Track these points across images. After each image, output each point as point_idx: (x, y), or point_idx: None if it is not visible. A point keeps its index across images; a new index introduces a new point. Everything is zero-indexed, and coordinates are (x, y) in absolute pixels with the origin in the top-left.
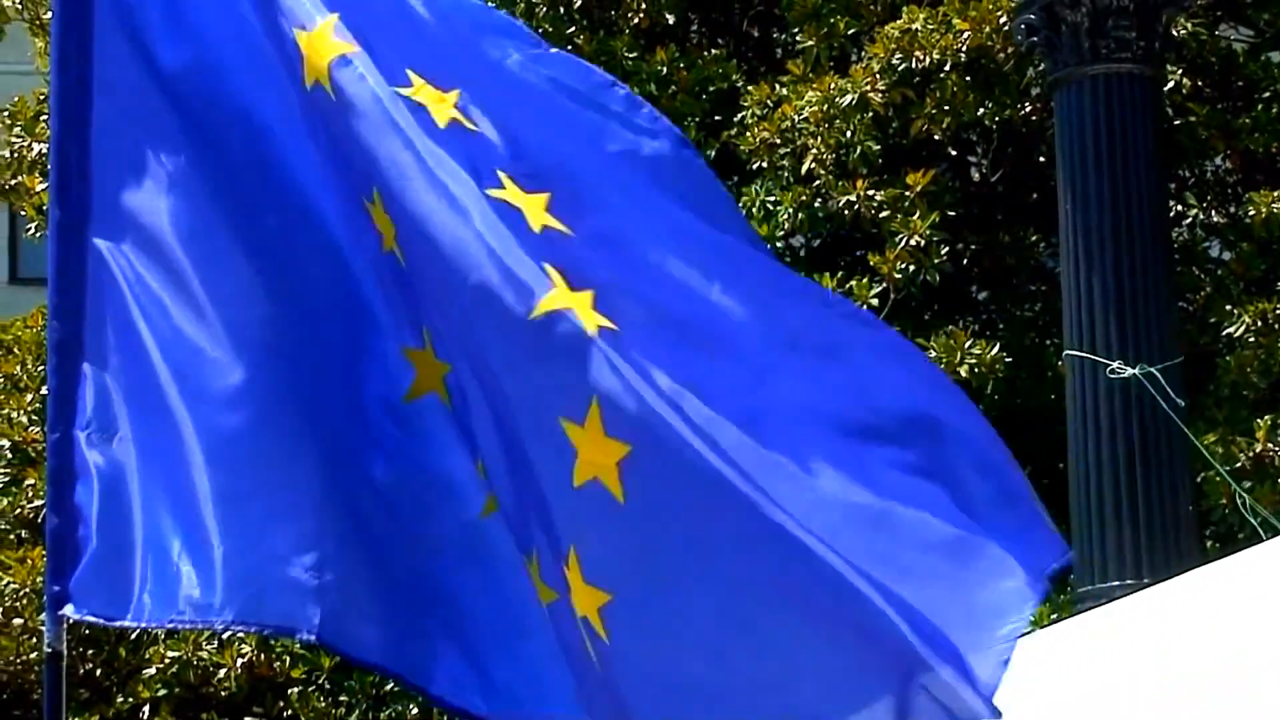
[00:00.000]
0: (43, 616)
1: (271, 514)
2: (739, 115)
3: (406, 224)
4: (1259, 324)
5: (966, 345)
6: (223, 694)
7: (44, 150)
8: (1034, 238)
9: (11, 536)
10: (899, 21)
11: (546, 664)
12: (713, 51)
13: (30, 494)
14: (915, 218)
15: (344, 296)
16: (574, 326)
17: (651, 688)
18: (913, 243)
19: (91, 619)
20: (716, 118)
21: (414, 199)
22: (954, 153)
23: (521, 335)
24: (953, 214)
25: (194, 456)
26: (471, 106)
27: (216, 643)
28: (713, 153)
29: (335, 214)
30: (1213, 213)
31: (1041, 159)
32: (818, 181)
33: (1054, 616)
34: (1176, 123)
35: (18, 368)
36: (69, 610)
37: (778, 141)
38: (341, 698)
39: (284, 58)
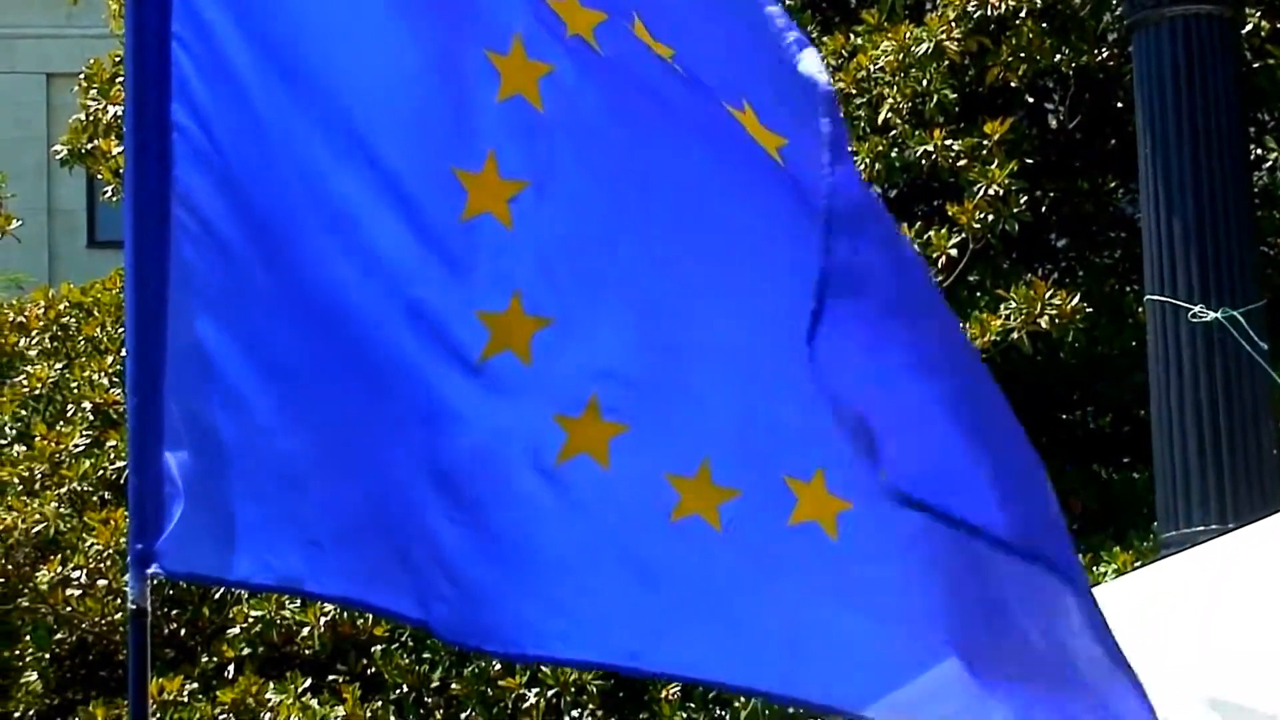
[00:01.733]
0: (127, 577)
1: (366, 488)
2: None
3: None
4: None
5: (1047, 295)
6: (306, 652)
7: (119, 113)
8: (1113, 184)
9: (95, 498)
10: None
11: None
12: (786, 3)
13: (112, 455)
14: (993, 166)
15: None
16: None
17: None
18: (991, 192)
19: (178, 578)
20: None
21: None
22: (1031, 100)
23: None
24: (1030, 162)
25: (270, 419)
26: (686, 55)
27: (299, 602)
28: None
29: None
30: None
31: (1119, 105)
32: (894, 131)
33: (1137, 563)
34: (1255, 65)
35: (98, 330)
36: (155, 569)
37: (853, 92)
38: (425, 655)
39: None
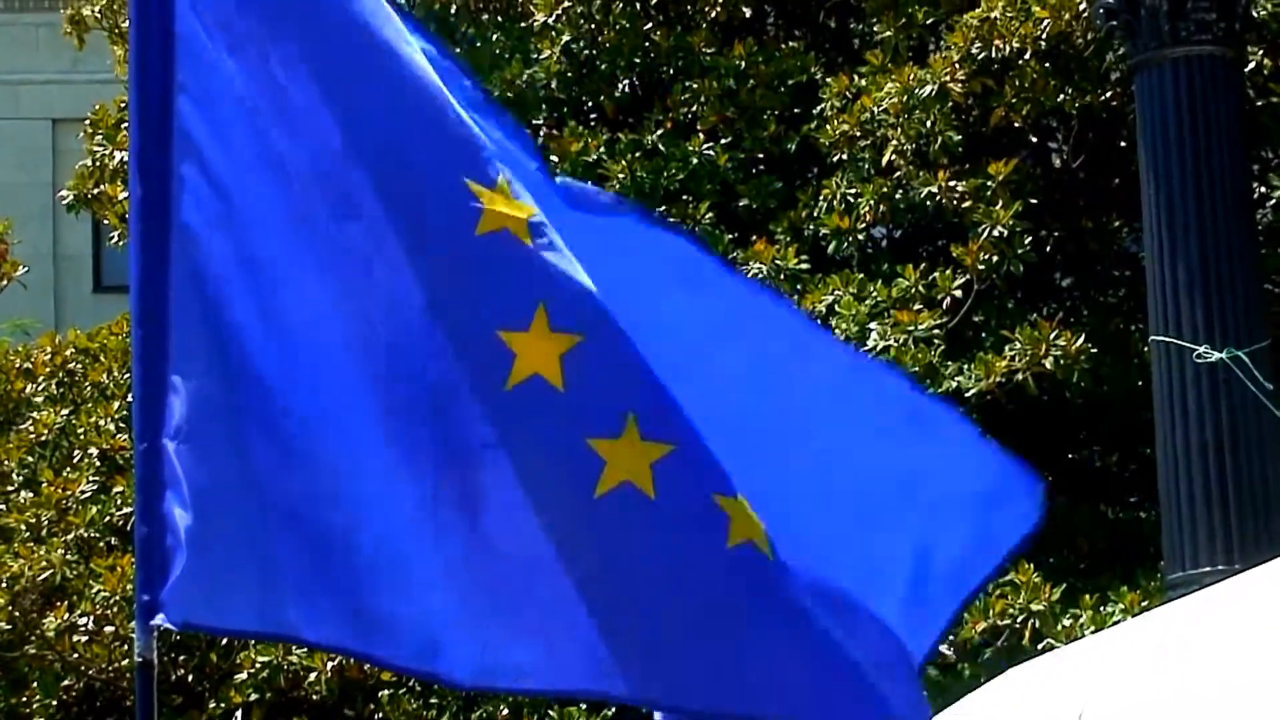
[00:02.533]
0: (134, 624)
1: (357, 531)
2: (818, 108)
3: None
4: None
5: (1051, 336)
6: (314, 698)
7: (125, 158)
8: (1117, 223)
9: (101, 544)
10: (977, 10)
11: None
12: (790, 44)
13: (119, 501)
14: (998, 207)
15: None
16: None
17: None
18: (995, 233)
19: (182, 629)
20: (795, 111)
21: None
22: (1035, 140)
23: None
24: (1035, 202)
25: (271, 465)
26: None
27: (306, 648)
28: (792, 146)
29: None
30: None
31: (1123, 144)
32: (899, 173)
33: (1145, 603)
34: (1259, 104)
35: (104, 375)
36: (160, 620)
37: (857, 134)
38: (432, 700)
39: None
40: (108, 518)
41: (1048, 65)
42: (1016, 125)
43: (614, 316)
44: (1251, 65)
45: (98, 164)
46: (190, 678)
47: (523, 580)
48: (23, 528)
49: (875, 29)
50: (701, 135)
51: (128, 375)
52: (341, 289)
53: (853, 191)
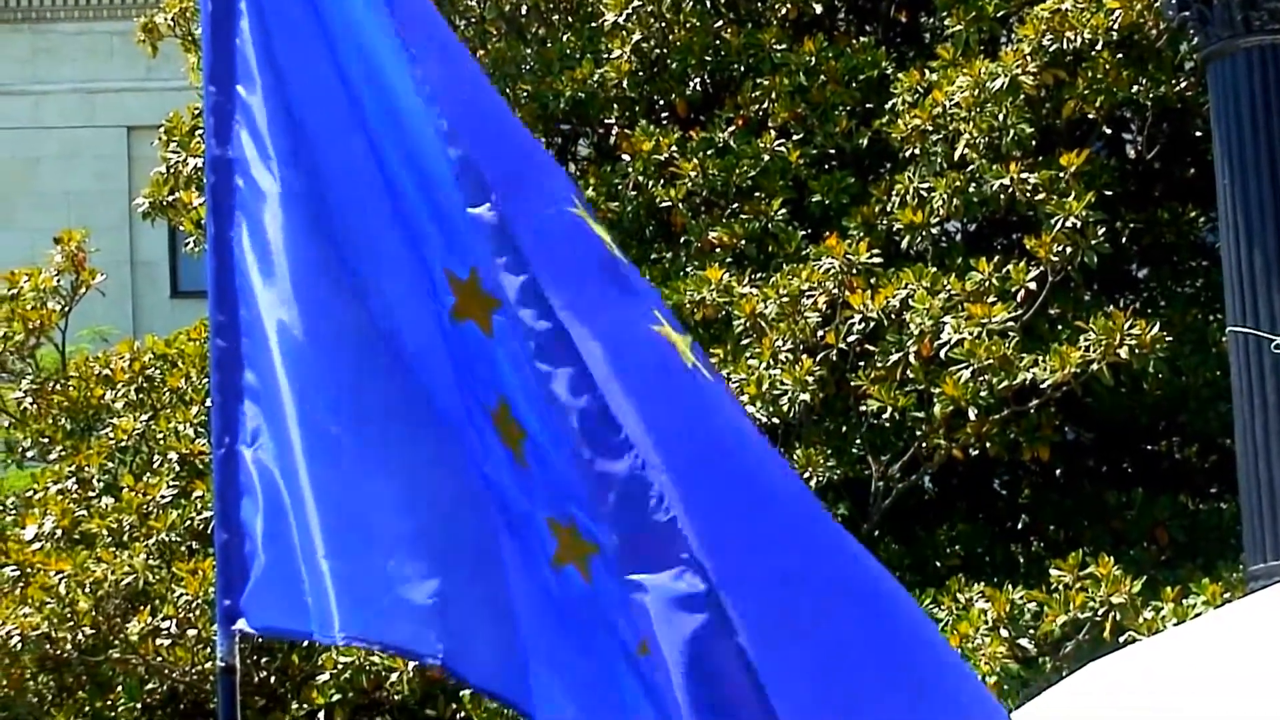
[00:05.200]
0: (215, 627)
1: (388, 535)
2: (890, 103)
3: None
4: None
5: (1126, 326)
6: (395, 698)
7: (200, 165)
8: (1193, 213)
9: (183, 548)
10: (1048, 2)
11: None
12: (861, 40)
13: (199, 506)
14: (1071, 199)
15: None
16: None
17: None
18: (1069, 224)
19: (263, 633)
20: (867, 106)
21: None
22: (1108, 131)
23: None
24: (1109, 193)
25: (314, 473)
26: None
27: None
28: (864, 141)
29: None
30: None
31: (1198, 134)
32: (971, 166)
33: (1226, 595)
34: None
35: (182, 381)
36: (241, 624)
37: (929, 128)
38: None
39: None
40: (188, 522)
41: (1120, 56)
42: (1090, 117)
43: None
44: None
45: (172, 171)
46: (272, 679)
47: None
48: (105, 533)
49: (946, 23)
50: (773, 132)
51: (205, 380)
52: (378, 298)
53: (925, 186)
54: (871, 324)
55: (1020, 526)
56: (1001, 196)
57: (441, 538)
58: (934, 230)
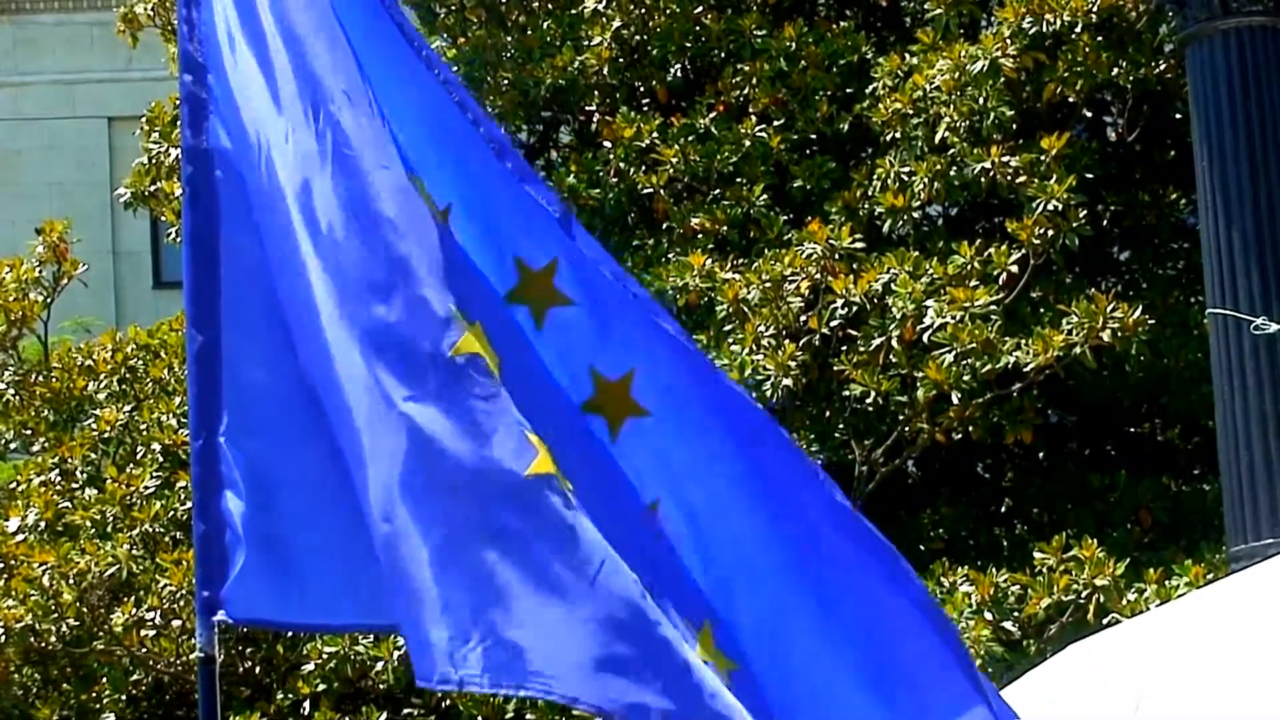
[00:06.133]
0: None
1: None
2: (870, 87)
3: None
4: None
5: (1108, 309)
6: (381, 687)
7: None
8: (1174, 195)
9: (166, 539)
10: None
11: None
12: (841, 24)
13: (183, 496)
14: (1052, 182)
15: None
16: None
17: None
18: (1050, 207)
19: (243, 624)
20: (848, 91)
21: None
22: (1089, 114)
23: None
24: (1090, 176)
25: (322, 459)
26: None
27: (373, 637)
28: (845, 126)
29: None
30: None
31: (1178, 116)
32: (952, 150)
33: (1209, 576)
34: None
35: (165, 371)
36: (220, 616)
37: (910, 112)
38: None
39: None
40: (172, 512)
41: (1100, 39)
42: (1070, 99)
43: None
44: None
45: (154, 161)
46: (258, 670)
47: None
48: (88, 524)
49: (926, 7)
50: (754, 118)
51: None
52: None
53: (907, 170)
54: (854, 308)
55: (1004, 510)
56: (983, 180)
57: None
58: (915, 214)
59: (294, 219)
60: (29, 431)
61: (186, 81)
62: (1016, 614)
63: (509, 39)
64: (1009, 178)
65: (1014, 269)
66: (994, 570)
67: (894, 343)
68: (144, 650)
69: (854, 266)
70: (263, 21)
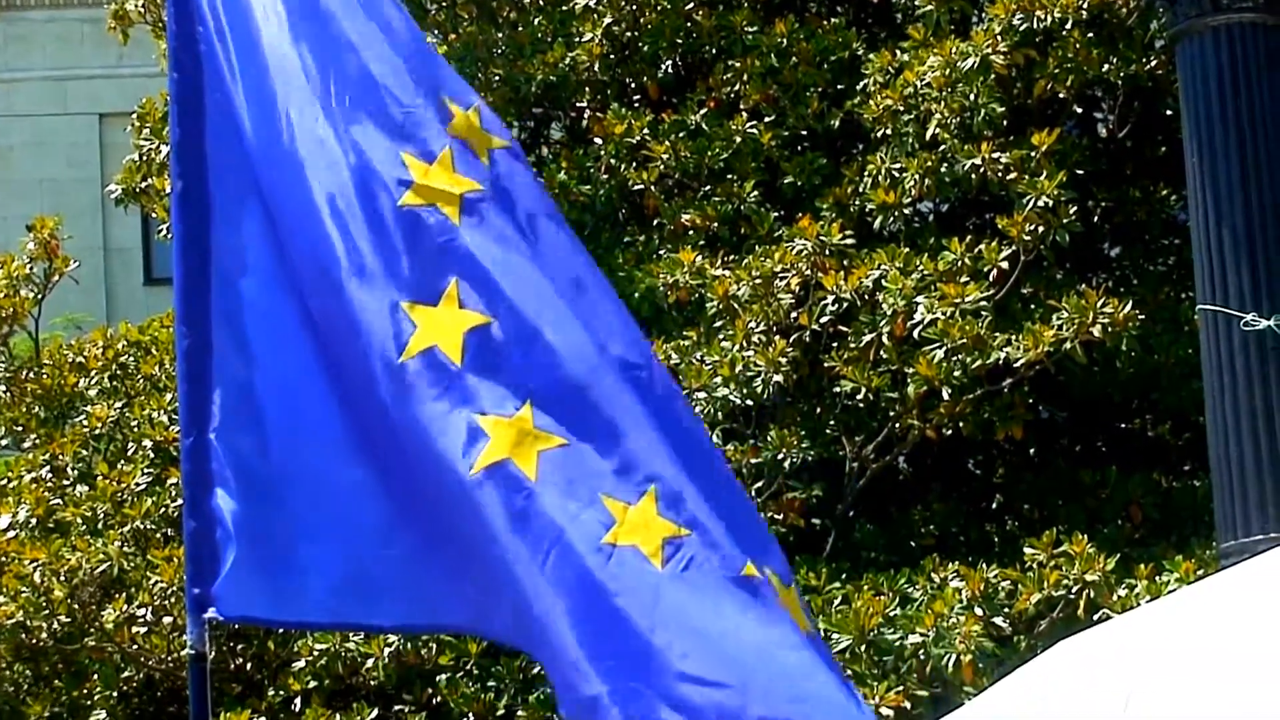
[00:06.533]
0: None
1: (373, 517)
2: (861, 84)
3: None
4: None
5: (1098, 304)
6: (372, 684)
7: None
8: (1165, 191)
9: (158, 535)
10: None
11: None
12: (832, 21)
13: (174, 493)
14: (1042, 178)
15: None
16: None
17: None
18: (1041, 203)
19: (234, 621)
20: (838, 87)
21: None
22: (1080, 110)
23: None
24: (1081, 172)
25: (312, 456)
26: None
27: (364, 634)
28: (836, 123)
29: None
30: None
31: (1169, 112)
32: (943, 146)
33: (1200, 572)
34: None
35: (156, 368)
36: (211, 613)
37: (901, 108)
38: (490, 683)
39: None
40: (163, 509)
41: (1090, 35)
42: (1061, 96)
43: (522, 306)
44: None
45: (145, 158)
46: (249, 666)
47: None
48: (79, 521)
49: (916, 3)
50: (745, 114)
51: None
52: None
53: (897, 166)
54: (844, 305)
55: (995, 505)
56: (973, 176)
57: (429, 518)
58: (906, 210)
59: (320, 212)
60: (20, 428)
61: (175, 79)
62: (1007, 609)
63: (500, 35)
64: (999, 174)
65: (1004, 265)
66: (984, 566)
67: (884, 339)
68: (135, 647)
69: (845, 263)
70: (255, 16)
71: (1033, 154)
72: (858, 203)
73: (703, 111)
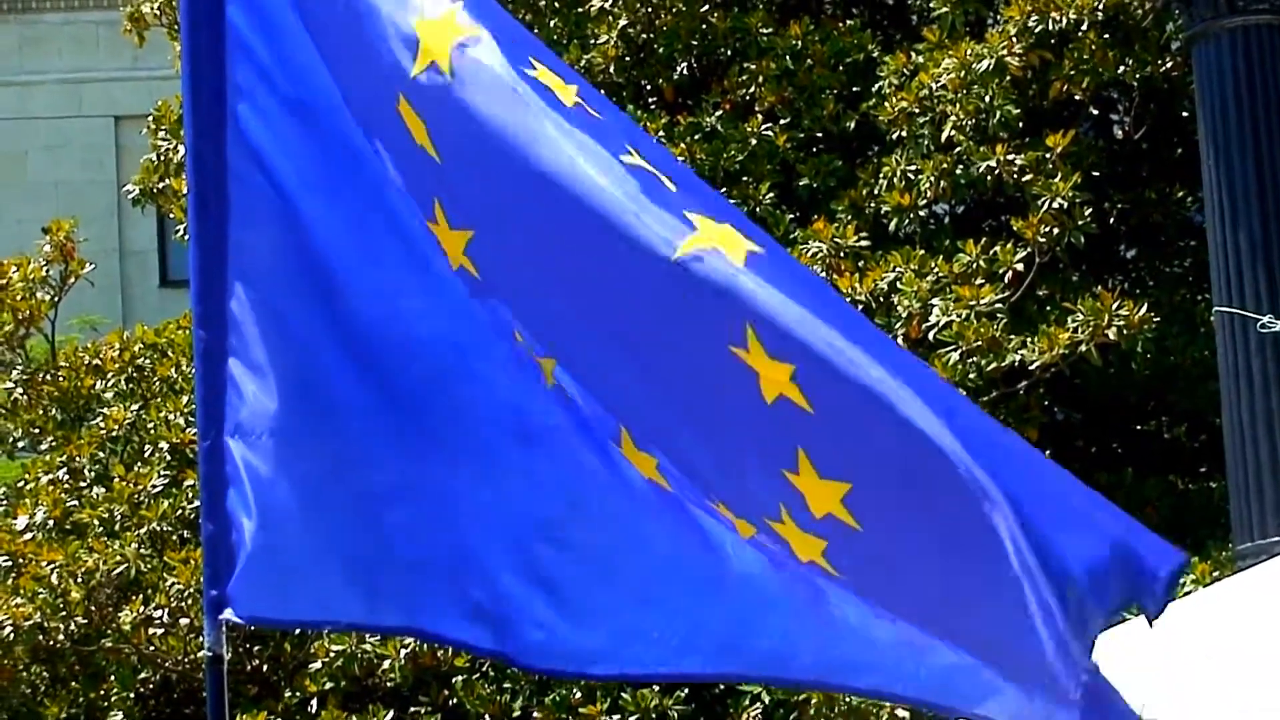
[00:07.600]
0: None
1: (396, 520)
2: (876, 86)
3: (531, 189)
4: None
5: (1114, 307)
6: (388, 685)
7: None
8: (1181, 193)
9: (174, 537)
10: None
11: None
12: (847, 23)
13: (190, 495)
14: (1058, 180)
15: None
16: (722, 260)
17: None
18: (1056, 205)
19: (251, 623)
20: (854, 89)
21: (545, 161)
22: (1095, 112)
23: (668, 275)
24: (1096, 174)
25: (328, 459)
26: (590, 99)
27: (380, 635)
28: (851, 124)
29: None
30: None
31: (1185, 114)
32: (958, 148)
33: (1216, 574)
34: None
35: (172, 370)
36: (228, 614)
37: (916, 110)
38: (505, 684)
39: (383, 54)
40: (179, 511)
41: (1106, 37)
42: (1076, 97)
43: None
44: None
45: (162, 159)
46: (265, 668)
47: (597, 567)
48: (96, 523)
49: (932, 5)
50: (760, 116)
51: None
52: (400, 284)
53: (913, 168)
54: (860, 306)
55: None
56: (988, 178)
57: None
58: (921, 212)
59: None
60: (37, 430)
61: (191, 80)
62: None
63: None
64: (1015, 176)
65: (1020, 267)
66: None
67: (900, 341)
68: (152, 648)
69: (860, 265)
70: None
71: (1048, 156)
72: (873, 205)
73: (718, 113)
